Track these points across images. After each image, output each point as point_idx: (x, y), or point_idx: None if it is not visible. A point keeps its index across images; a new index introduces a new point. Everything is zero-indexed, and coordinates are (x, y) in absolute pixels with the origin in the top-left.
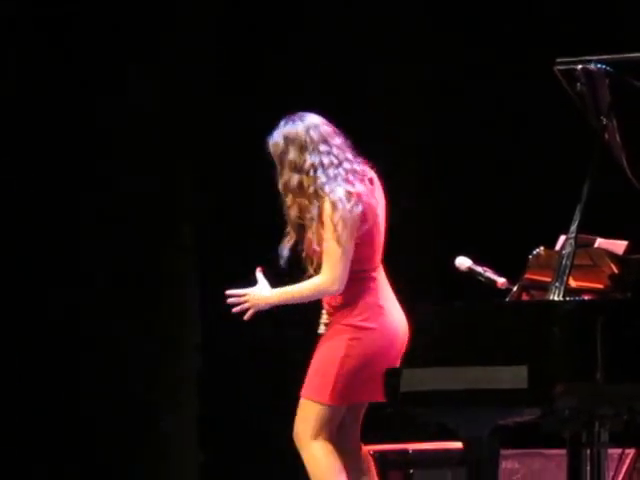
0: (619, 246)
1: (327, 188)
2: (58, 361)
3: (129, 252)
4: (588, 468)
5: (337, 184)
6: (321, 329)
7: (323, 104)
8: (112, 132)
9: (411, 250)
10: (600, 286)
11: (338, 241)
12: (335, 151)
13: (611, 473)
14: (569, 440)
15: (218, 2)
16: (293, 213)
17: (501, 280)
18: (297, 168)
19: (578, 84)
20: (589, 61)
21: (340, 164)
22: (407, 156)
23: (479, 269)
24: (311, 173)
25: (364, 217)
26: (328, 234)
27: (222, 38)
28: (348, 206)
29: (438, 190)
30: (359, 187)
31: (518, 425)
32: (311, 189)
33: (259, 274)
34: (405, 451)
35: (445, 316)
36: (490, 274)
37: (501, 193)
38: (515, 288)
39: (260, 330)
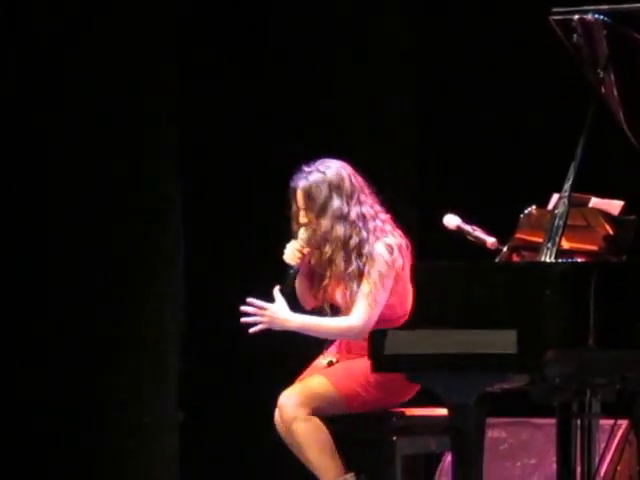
0: (615, 206)
1: (371, 239)
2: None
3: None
4: (578, 439)
5: (379, 236)
6: (323, 362)
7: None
8: None
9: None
10: (594, 248)
11: (377, 291)
12: (370, 202)
13: (602, 445)
14: (559, 409)
15: None
16: (314, 260)
17: (491, 240)
18: (342, 217)
19: (574, 35)
20: (586, 11)
21: (377, 215)
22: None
23: (468, 228)
24: (357, 223)
25: (402, 268)
26: (368, 283)
27: None
28: (390, 259)
29: (427, 137)
30: (398, 239)
31: (506, 392)
32: (354, 240)
33: (277, 293)
34: (388, 417)
35: (429, 276)
36: (479, 233)
37: (491, 147)
38: (505, 248)
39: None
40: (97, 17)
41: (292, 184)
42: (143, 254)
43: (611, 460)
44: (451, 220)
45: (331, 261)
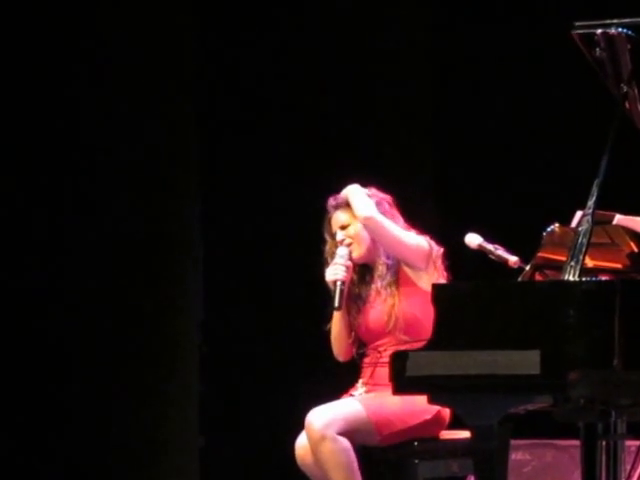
0: (639, 223)
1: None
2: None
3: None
4: (604, 461)
5: None
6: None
7: None
8: None
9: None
10: (618, 266)
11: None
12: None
13: (628, 467)
14: (583, 431)
15: None
16: (357, 255)
17: (513, 259)
18: None
19: (597, 49)
20: (609, 25)
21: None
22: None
23: (490, 247)
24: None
25: (436, 269)
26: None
27: None
28: (427, 240)
29: (447, 162)
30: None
31: (529, 414)
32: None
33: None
34: (410, 441)
35: (450, 297)
36: (502, 252)
37: (514, 166)
38: (528, 267)
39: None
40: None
41: (330, 208)
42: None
43: None
44: (473, 239)
45: (374, 265)
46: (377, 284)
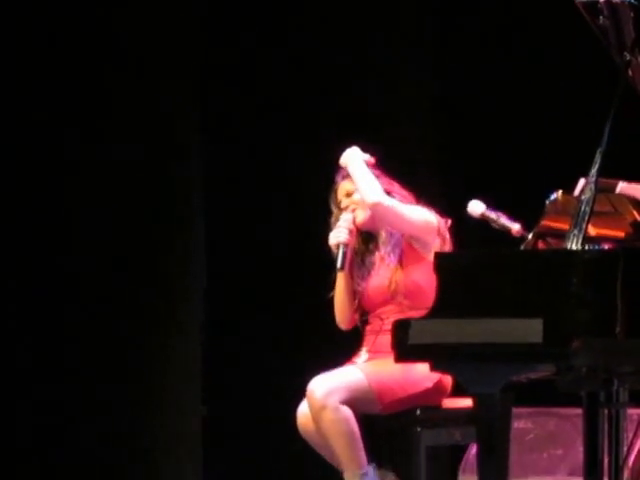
0: None
1: None
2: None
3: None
4: (606, 429)
5: None
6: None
7: None
8: None
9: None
10: (621, 234)
11: (405, 206)
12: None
13: (630, 435)
14: (586, 399)
15: None
16: (361, 222)
17: (516, 227)
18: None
19: (601, 17)
20: None
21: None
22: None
23: (493, 215)
24: (396, 198)
25: (444, 242)
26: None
27: None
28: (429, 212)
29: (450, 122)
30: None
31: (532, 382)
32: None
33: None
34: (412, 409)
35: (452, 265)
36: (504, 220)
37: (517, 134)
38: (531, 236)
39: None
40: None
41: (338, 178)
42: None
43: (639, 450)
44: (475, 207)
45: (378, 233)
46: (381, 251)
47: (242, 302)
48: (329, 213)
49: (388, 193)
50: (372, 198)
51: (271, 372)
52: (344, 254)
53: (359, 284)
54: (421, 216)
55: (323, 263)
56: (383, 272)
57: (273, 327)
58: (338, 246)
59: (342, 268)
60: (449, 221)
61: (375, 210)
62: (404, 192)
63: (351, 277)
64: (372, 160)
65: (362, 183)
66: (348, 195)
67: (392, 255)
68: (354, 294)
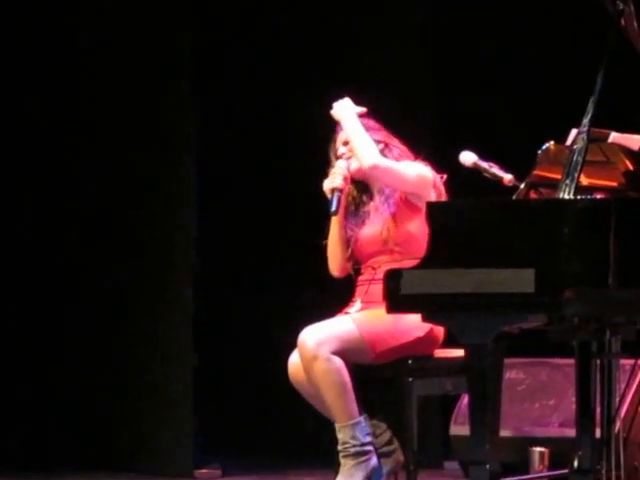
0: (634, 141)
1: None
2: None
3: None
4: (598, 379)
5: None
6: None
7: None
8: None
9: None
10: (614, 184)
11: (401, 164)
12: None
13: (622, 385)
14: (578, 349)
15: None
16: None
17: (508, 177)
18: (381, 142)
19: None
20: None
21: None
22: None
23: (484, 164)
24: (393, 149)
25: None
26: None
27: None
28: (425, 167)
29: (441, 71)
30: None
31: (524, 332)
32: (390, 156)
33: None
34: (404, 359)
35: (444, 214)
36: (496, 170)
37: (508, 82)
38: (522, 185)
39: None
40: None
41: (338, 129)
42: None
43: (631, 401)
44: (467, 157)
45: (372, 182)
46: (375, 201)
47: (234, 252)
48: (328, 164)
49: (386, 146)
50: (368, 161)
51: (262, 322)
52: (338, 199)
53: (352, 233)
54: (417, 172)
55: (316, 212)
56: (377, 221)
57: (265, 277)
58: (332, 191)
59: (336, 213)
60: (444, 176)
61: (372, 173)
62: (402, 147)
63: (345, 225)
64: (364, 111)
65: (357, 144)
66: (345, 144)
67: (386, 205)
68: (347, 242)
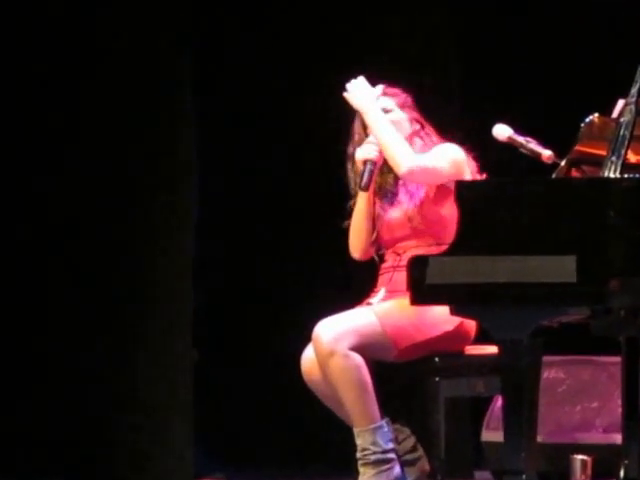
0: None
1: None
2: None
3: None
4: None
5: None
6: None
7: None
8: None
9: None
10: None
11: (438, 159)
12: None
13: None
14: (624, 345)
15: None
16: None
17: (547, 153)
18: (413, 119)
19: None
20: None
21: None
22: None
23: (521, 139)
24: (425, 128)
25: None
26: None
27: None
28: (457, 147)
29: (475, 40)
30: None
31: (564, 327)
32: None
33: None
34: (431, 357)
35: (475, 195)
36: (534, 145)
37: (548, 50)
38: (563, 163)
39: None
40: None
41: None
42: None
43: None
44: (502, 131)
45: None
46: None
47: (242, 240)
48: (350, 139)
49: (422, 127)
50: (403, 167)
51: (275, 313)
52: (371, 172)
53: (380, 213)
54: (450, 160)
55: (317, 211)
56: (406, 202)
57: (276, 263)
58: (365, 163)
59: (367, 188)
60: (475, 163)
61: (408, 179)
62: (430, 130)
63: (373, 203)
64: (381, 90)
65: (387, 147)
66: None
67: (417, 186)
68: (373, 221)
